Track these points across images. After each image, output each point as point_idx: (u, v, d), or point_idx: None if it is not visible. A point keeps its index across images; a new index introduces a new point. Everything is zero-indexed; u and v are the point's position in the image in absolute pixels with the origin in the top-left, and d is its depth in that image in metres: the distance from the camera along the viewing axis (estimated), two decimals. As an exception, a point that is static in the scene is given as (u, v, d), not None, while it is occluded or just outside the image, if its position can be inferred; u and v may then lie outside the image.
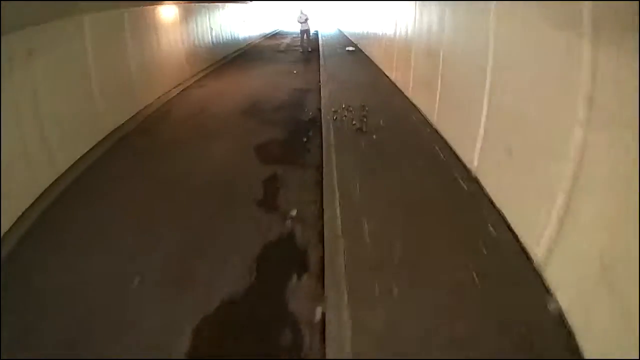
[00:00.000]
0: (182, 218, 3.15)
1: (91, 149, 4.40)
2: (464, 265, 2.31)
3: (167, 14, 7.48)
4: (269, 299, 2.32)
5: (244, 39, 14.33)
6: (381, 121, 4.93)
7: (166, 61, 7.35)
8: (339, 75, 8.06)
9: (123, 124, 5.26)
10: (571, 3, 1.93)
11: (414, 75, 5.78)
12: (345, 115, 5.22)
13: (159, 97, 6.65)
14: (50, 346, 2.04)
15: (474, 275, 2.24)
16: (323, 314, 2.13)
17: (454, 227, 2.70)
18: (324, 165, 3.82)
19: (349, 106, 5.53)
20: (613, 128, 1.67)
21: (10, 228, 2.99)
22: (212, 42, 10.70)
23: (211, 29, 10.63)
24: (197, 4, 9.47)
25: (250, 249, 2.76)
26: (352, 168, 3.65)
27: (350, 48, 11.84)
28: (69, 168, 3.93)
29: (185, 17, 8.62)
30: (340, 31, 17.83)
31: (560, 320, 1.89)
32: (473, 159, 3.35)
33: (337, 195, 3.20)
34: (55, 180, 3.69)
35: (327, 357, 1.87)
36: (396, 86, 6.83)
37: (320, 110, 5.83)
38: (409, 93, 5.99)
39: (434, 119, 4.68)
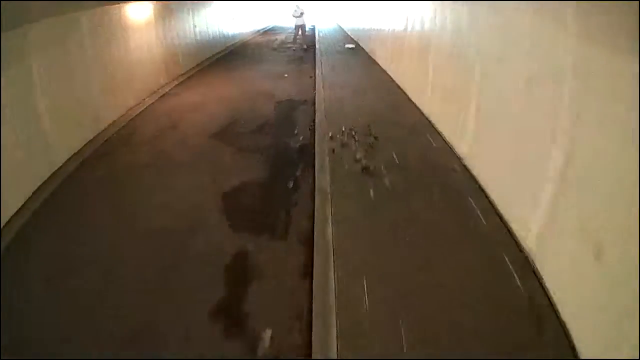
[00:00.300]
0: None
1: (37, 190, 3.47)
2: None
3: (140, 11, 6.23)
4: None
5: (233, 36, 12.98)
6: (394, 154, 3.74)
7: (138, 67, 6.14)
8: (338, 80, 6.84)
9: (80, 149, 4.30)
10: None
11: (432, 85, 4.59)
12: (345, 142, 4.05)
13: (125, 113, 5.48)
14: None
15: None
16: None
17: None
18: (314, 240, 2.63)
19: (351, 130, 4.33)
20: None
21: None
22: (196, 41, 9.43)
23: (195, 26, 9.36)
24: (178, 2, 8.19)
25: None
26: (358, 249, 2.47)
27: (350, 45, 10.62)
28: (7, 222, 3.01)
29: (163, 15, 7.34)
30: (339, 27, 16.52)
31: None
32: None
33: (334, 305, 2.04)
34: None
35: None
36: (406, 94, 5.64)
37: (313, 131, 4.65)
38: (425, 107, 4.80)
39: (463, 150, 3.51)
